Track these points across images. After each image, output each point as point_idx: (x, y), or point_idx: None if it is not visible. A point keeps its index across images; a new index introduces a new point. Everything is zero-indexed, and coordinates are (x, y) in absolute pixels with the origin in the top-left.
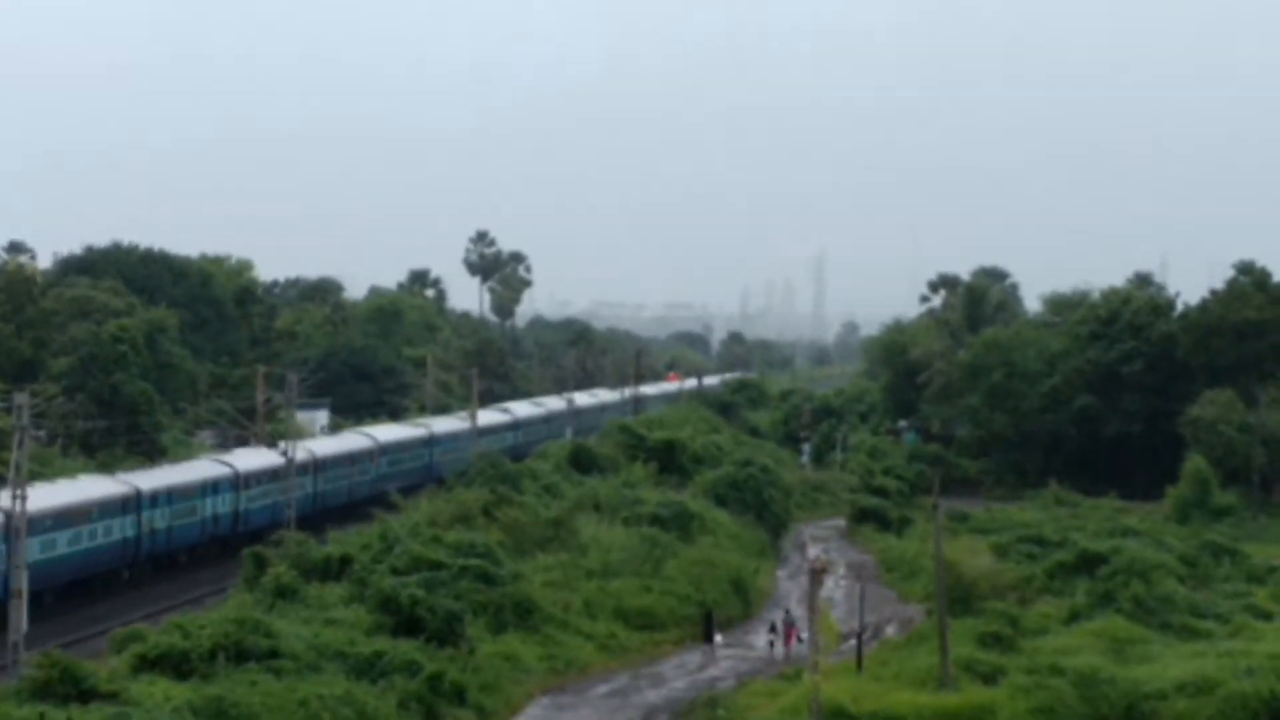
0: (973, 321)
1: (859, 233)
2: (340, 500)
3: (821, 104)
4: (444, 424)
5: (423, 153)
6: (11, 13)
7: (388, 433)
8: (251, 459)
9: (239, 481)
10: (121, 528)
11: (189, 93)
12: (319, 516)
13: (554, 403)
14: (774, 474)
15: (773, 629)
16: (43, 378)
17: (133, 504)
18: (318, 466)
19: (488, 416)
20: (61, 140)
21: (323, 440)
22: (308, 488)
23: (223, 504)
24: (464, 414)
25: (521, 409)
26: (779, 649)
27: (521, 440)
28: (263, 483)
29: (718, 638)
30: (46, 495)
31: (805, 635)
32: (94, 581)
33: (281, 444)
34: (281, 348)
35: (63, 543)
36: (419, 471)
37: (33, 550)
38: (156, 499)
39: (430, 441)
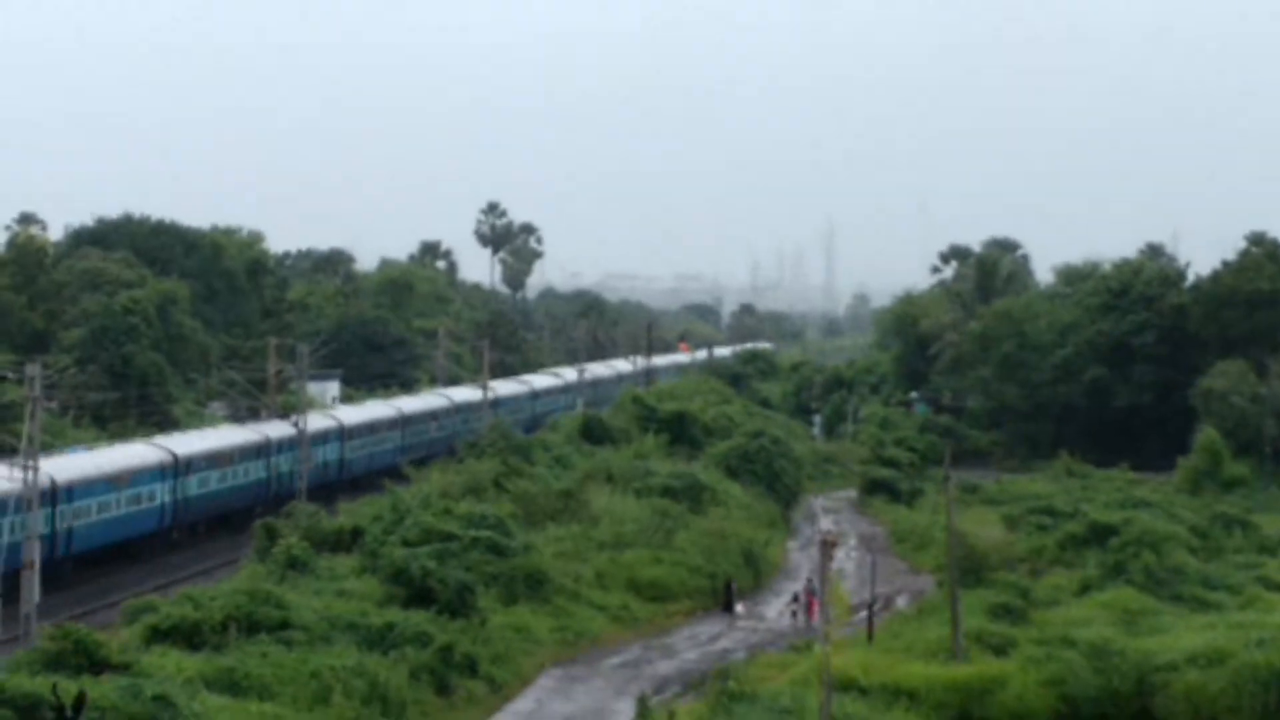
0: (984, 293)
1: (870, 204)
2: (422, 452)
3: (830, 72)
4: (506, 387)
5: (433, 124)
6: None
7: (461, 394)
8: (354, 414)
9: (344, 433)
10: (256, 470)
11: (200, 63)
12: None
13: (599, 368)
14: (785, 445)
15: (795, 599)
16: (54, 349)
17: (264, 450)
18: (405, 422)
19: (543, 381)
20: (72, 111)
21: (408, 399)
22: (396, 440)
23: (331, 452)
24: (523, 379)
25: (569, 374)
26: (801, 619)
27: (573, 402)
28: (363, 435)
29: (738, 607)
30: (200, 440)
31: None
32: (234, 516)
33: (294, 416)
34: (293, 319)
35: (214, 481)
36: None
37: (191, 486)
38: (281, 446)
39: (497, 402)
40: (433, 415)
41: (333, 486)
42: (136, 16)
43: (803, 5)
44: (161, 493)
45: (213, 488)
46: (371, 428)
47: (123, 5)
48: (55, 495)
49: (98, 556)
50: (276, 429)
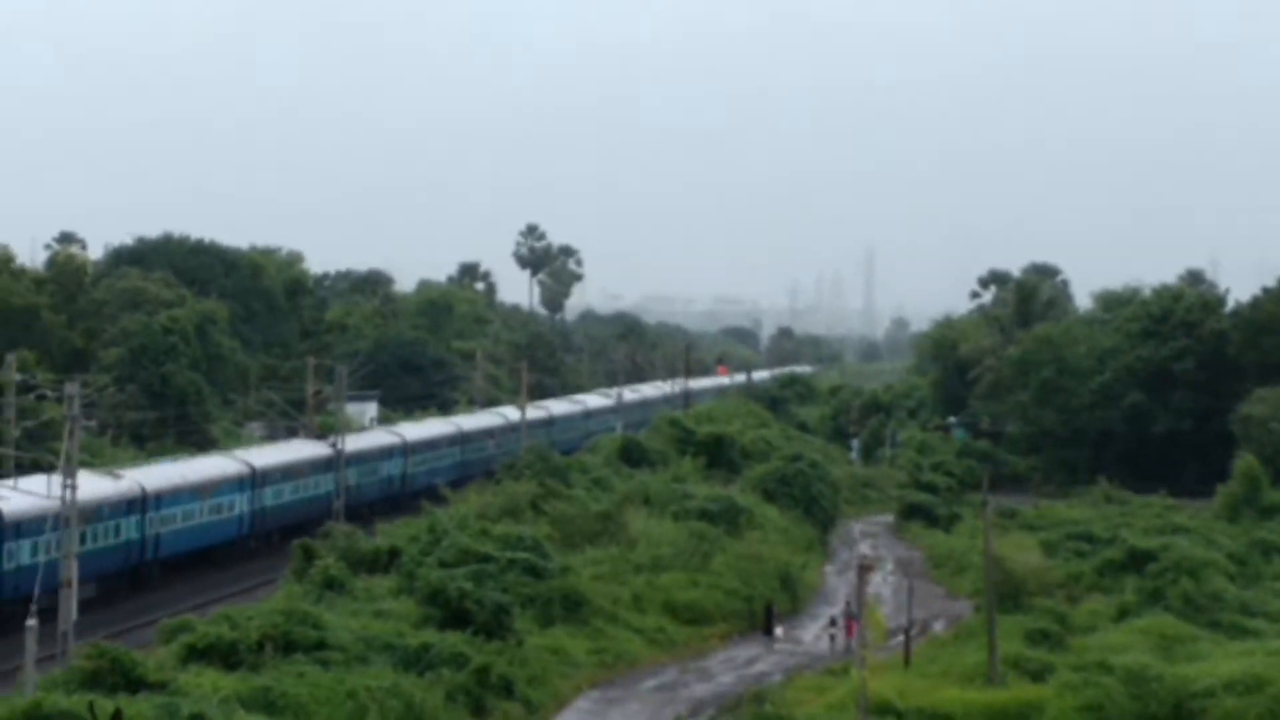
0: (1023, 318)
1: (909, 228)
2: (480, 468)
3: (872, 98)
4: (560, 406)
5: (473, 145)
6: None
7: (517, 413)
8: (417, 431)
9: (407, 449)
10: (325, 483)
11: (240, 83)
12: (464, 480)
13: (648, 390)
14: (823, 469)
15: (833, 622)
16: (93, 368)
17: (333, 464)
18: (464, 439)
19: (595, 401)
20: (114, 131)
21: (466, 417)
22: (455, 456)
23: (395, 467)
24: (576, 398)
25: (625, 394)
26: (840, 641)
27: (622, 422)
28: (424, 451)
29: (778, 630)
30: (275, 453)
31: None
32: (306, 526)
33: (332, 437)
34: (331, 340)
35: (288, 492)
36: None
37: (267, 497)
38: (353, 460)
39: (552, 420)
40: (489, 433)
41: (396, 500)
42: (175, 38)
43: (843, 31)
44: (240, 503)
45: (286, 499)
46: (432, 444)
47: (162, 27)
48: (145, 503)
49: (181, 562)
50: (348, 443)
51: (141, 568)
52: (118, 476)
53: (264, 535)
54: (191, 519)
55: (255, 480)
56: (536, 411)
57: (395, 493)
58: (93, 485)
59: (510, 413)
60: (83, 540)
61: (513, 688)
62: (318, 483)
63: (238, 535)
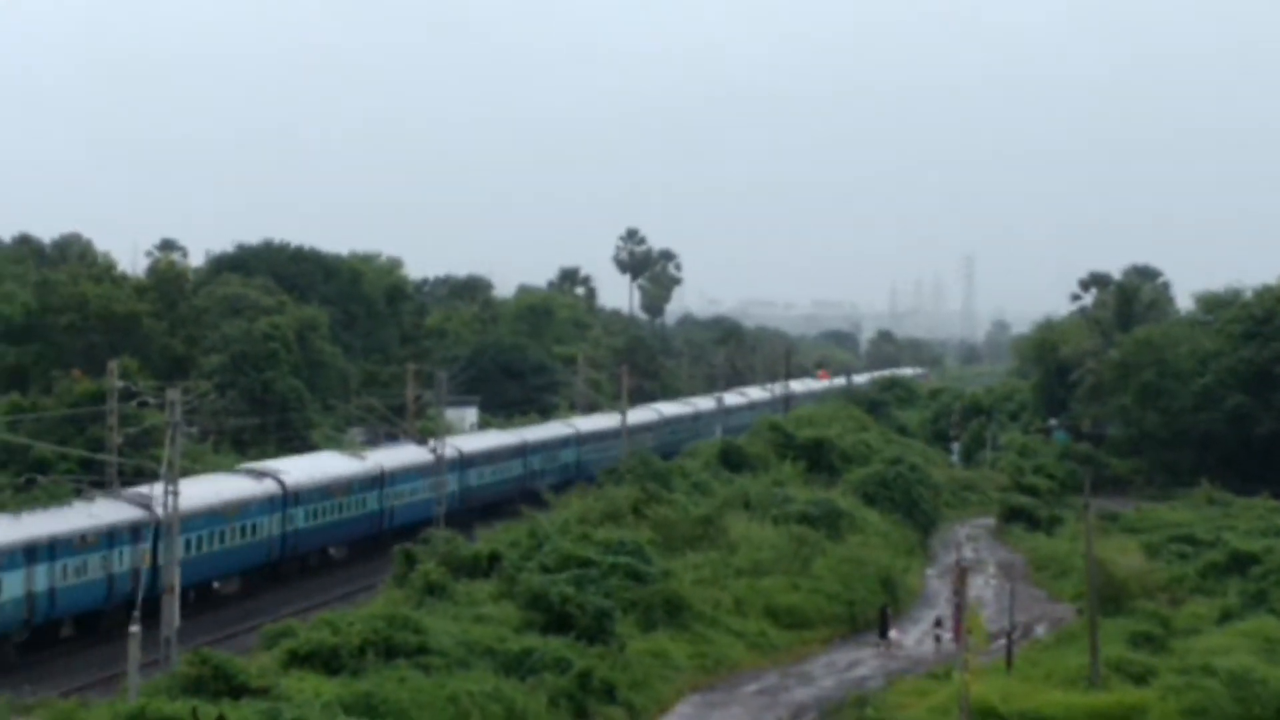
0: (1124, 320)
1: (1009, 231)
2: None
3: (972, 101)
4: (704, 403)
5: (574, 150)
6: (165, 13)
7: (670, 409)
8: (588, 424)
9: (580, 439)
10: (515, 467)
11: (339, 91)
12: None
13: (756, 392)
14: (923, 472)
15: (939, 623)
16: (195, 375)
17: (522, 451)
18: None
19: (732, 398)
20: (216, 139)
21: (631, 412)
22: (619, 448)
23: (570, 455)
24: (714, 396)
25: (754, 393)
26: (946, 640)
27: (739, 422)
28: (594, 441)
29: (893, 633)
30: (478, 440)
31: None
32: (499, 505)
33: (431, 441)
34: (431, 345)
35: (487, 474)
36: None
37: (471, 478)
38: (535, 448)
39: (696, 416)
40: (647, 427)
41: (572, 483)
42: (275, 46)
43: (946, 36)
44: (452, 482)
45: (486, 480)
46: (600, 436)
47: (263, 35)
48: (384, 480)
49: (406, 532)
50: (532, 434)
51: (380, 535)
52: (363, 458)
53: (469, 511)
54: (416, 495)
55: (463, 463)
56: (684, 407)
57: (571, 477)
58: (346, 464)
59: (664, 408)
60: (340, 509)
61: (615, 692)
62: (510, 467)
63: (448, 511)
